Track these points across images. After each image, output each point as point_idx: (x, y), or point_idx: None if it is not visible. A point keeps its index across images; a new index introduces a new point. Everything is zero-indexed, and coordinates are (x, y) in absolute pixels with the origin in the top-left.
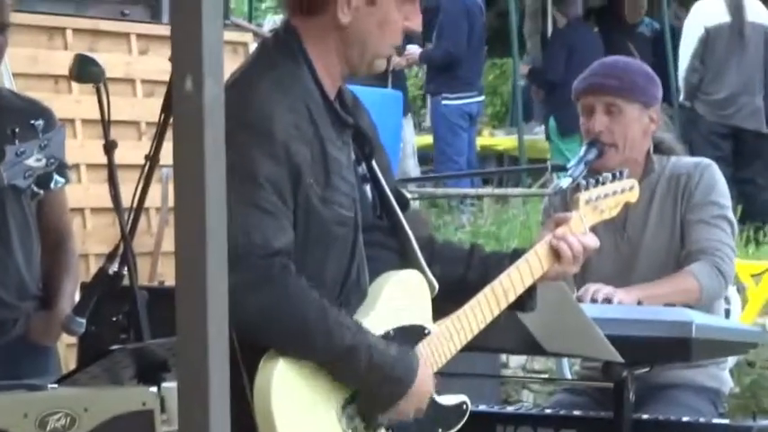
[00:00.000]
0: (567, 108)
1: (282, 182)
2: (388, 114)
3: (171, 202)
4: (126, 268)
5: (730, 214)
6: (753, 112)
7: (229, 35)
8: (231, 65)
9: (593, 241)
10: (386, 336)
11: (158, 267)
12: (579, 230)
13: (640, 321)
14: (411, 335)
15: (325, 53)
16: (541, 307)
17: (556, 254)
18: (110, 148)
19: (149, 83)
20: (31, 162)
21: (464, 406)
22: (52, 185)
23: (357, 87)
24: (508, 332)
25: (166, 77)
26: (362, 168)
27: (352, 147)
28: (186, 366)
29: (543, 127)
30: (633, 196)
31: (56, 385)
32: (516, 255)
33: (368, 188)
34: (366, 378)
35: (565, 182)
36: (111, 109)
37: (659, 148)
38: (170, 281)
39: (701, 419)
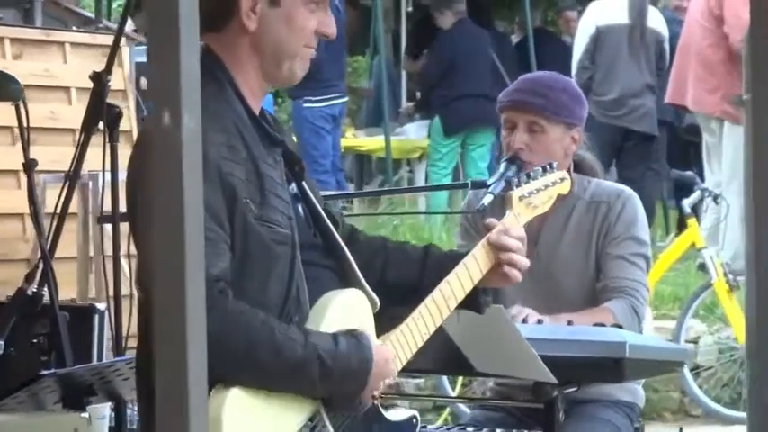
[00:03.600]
0: (452, 109)
1: (218, 205)
2: None
3: (48, 209)
4: (45, 288)
5: (648, 251)
6: (644, 115)
7: (101, 39)
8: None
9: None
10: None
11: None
12: (515, 228)
13: (573, 341)
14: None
15: (243, 68)
16: (476, 326)
17: (494, 254)
18: (29, 166)
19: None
20: None
21: (414, 420)
22: None
23: None
24: (436, 352)
25: (41, 81)
26: (293, 188)
27: (282, 165)
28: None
29: (405, 127)
30: (565, 188)
31: None
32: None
33: (300, 207)
34: (326, 382)
35: (487, 199)
36: None
37: (579, 167)
38: None
39: None
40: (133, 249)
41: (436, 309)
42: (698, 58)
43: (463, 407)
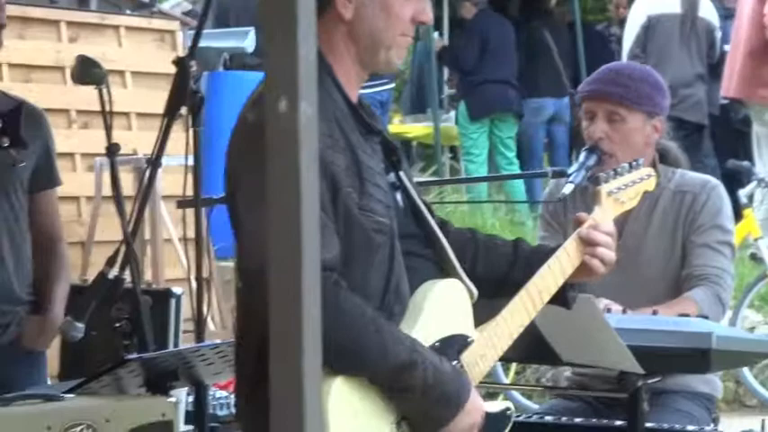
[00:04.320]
0: (478, 93)
1: (323, 194)
2: None
3: (104, 192)
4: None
5: (733, 239)
6: (695, 104)
7: (156, 23)
8: (160, 54)
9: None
10: (432, 347)
11: (91, 257)
12: (605, 223)
13: (659, 332)
14: (455, 345)
15: (340, 56)
16: (564, 316)
17: (586, 248)
18: (113, 151)
19: None
20: (21, 164)
21: (508, 412)
22: (42, 188)
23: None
24: (521, 341)
25: None
26: (391, 176)
27: (380, 154)
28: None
29: (450, 114)
30: (651, 185)
31: (71, 395)
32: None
33: (398, 196)
34: (421, 395)
35: (568, 188)
36: (40, 97)
37: (665, 158)
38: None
39: (719, 430)
40: (189, 234)
41: (531, 302)
42: (747, 47)
43: (517, 395)
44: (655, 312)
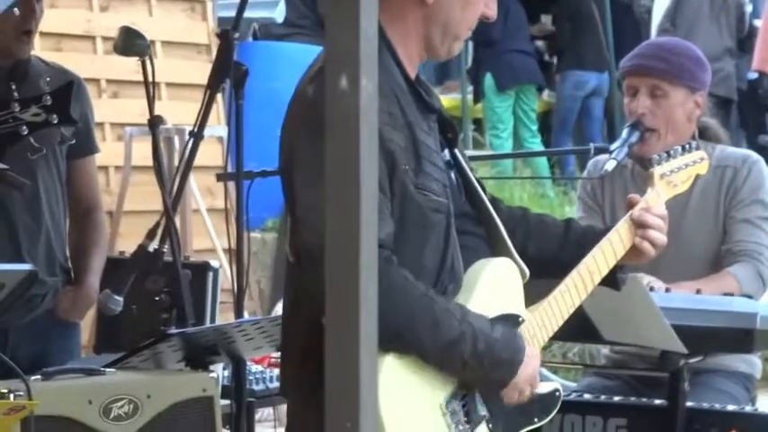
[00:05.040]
0: (504, 64)
1: (381, 172)
2: None
3: (133, 161)
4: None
5: None
6: (723, 79)
7: None
8: (190, 24)
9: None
10: None
11: (119, 228)
12: (657, 206)
13: (703, 311)
14: (507, 324)
15: (405, 33)
16: (609, 295)
17: (637, 230)
18: (155, 123)
19: (110, 40)
20: (59, 130)
21: (557, 393)
22: (81, 155)
23: (307, 47)
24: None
25: None
26: (446, 154)
27: (436, 131)
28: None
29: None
30: (703, 168)
31: (112, 369)
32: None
33: (453, 175)
34: (477, 365)
35: (610, 164)
36: (70, 66)
37: (705, 134)
38: (130, 241)
39: (760, 410)
40: (215, 204)
41: (582, 283)
42: None
43: (545, 371)
44: (698, 291)
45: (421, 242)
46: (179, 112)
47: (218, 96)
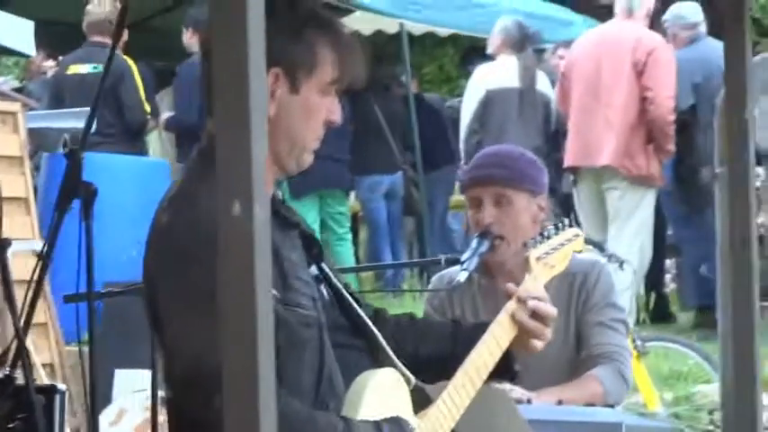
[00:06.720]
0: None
1: None
2: (156, 183)
3: None
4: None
5: (625, 316)
6: None
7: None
8: (2, 136)
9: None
10: None
11: None
12: (536, 290)
13: (569, 423)
14: (395, 425)
15: None
16: (475, 407)
17: (524, 309)
18: (3, 245)
19: None
20: None
21: None
22: None
23: (121, 157)
24: None
25: None
26: (313, 269)
27: (300, 247)
28: None
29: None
30: (579, 245)
31: None
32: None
33: (323, 288)
34: None
35: (462, 276)
36: None
37: None
38: None
39: None
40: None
41: (470, 381)
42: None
43: None
44: (560, 402)
45: (296, 362)
46: None
47: (32, 209)
